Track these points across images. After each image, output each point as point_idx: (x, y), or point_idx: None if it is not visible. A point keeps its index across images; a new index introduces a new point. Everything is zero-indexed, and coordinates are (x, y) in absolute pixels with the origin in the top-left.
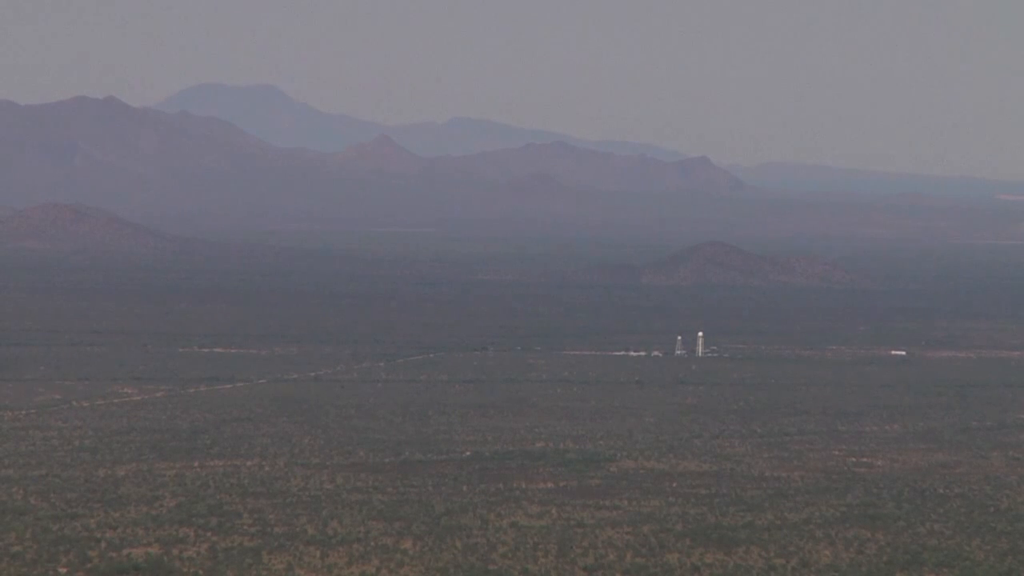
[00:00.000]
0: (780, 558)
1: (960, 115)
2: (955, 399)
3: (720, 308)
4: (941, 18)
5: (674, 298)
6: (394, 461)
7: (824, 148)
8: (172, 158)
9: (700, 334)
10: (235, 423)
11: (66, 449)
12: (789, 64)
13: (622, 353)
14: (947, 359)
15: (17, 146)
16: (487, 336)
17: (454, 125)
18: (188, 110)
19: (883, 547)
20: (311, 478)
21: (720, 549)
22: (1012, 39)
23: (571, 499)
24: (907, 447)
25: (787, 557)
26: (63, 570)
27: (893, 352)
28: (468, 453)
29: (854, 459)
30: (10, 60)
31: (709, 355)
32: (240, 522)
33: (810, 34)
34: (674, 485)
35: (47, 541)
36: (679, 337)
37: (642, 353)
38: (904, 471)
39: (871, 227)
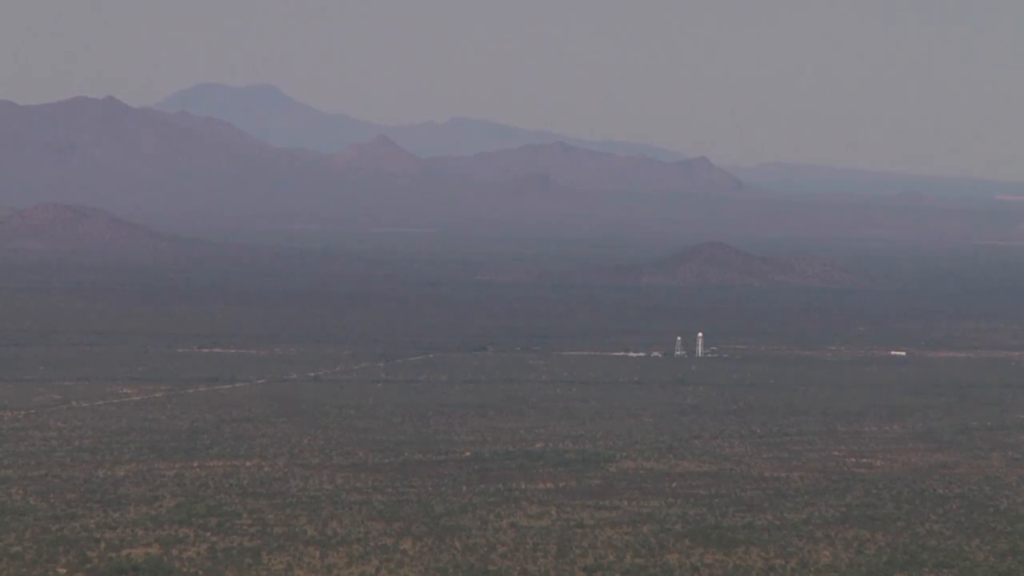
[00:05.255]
0: (780, 558)
1: (960, 115)
2: (955, 399)
3: (720, 308)
4: (941, 18)
5: (674, 298)
6: (394, 461)
7: (824, 148)
8: (172, 158)
9: (700, 334)
10: (235, 423)
11: (66, 449)
12: (789, 64)
13: (622, 353)
14: (947, 359)
15: (17, 146)
16: (487, 336)
17: (454, 125)
18: (188, 110)
19: (883, 547)
20: (311, 479)
21: (720, 549)
22: (1012, 39)
23: (571, 499)
24: (907, 447)
25: (787, 557)
26: (63, 570)
27: (893, 352)
28: (468, 453)
29: (854, 459)
30: (10, 60)
31: (709, 355)
32: (240, 522)
33: (810, 34)
34: (674, 485)
35: (47, 541)
36: (679, 337)
37: (642, 353)
38: (904, 471)
39: (871, 227)
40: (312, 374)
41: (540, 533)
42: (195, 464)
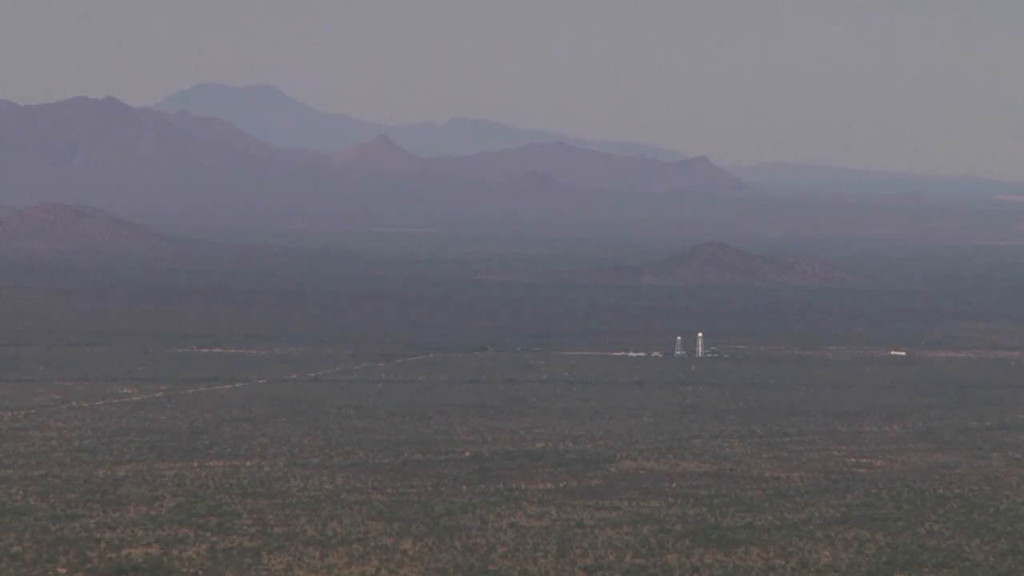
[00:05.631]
0: (780, 558)
1: (960, 115)
2: (955, 399)
3: (720, 308)
4: (941, 18)
5: (674, 298)
6: (394, 461)
7: (824, 148)
8: (172, 158)
9: (700, 334)
10: (234, 423)
11: (66, 449)
12: (789, 64)
13: (622, 353)
14: (947, 359)
15: (17, 146)
16: (487, 336)
17: (454, 125)
18: (187, 110)
19: (883, 547)
20: (311, 478)
21: (720, 550)
22: (1012, 39)
23: (571, 499)
24: (907, 447)
25: (787, 557)
26: (63, 570)
27: (893, 352)
28: (468, 453)
29: (854, 459)
30: (10, 60)
31: (709, 355)
32: (240, 522)
33: (810, 34)
34: (674, 485)
35: (46, 541)
36: (679, 338)
37: (642, 353)
38: (904, 471)
39: (871, 227)
40: (312, 374)
41: (540, 533)
42: (195, 464)
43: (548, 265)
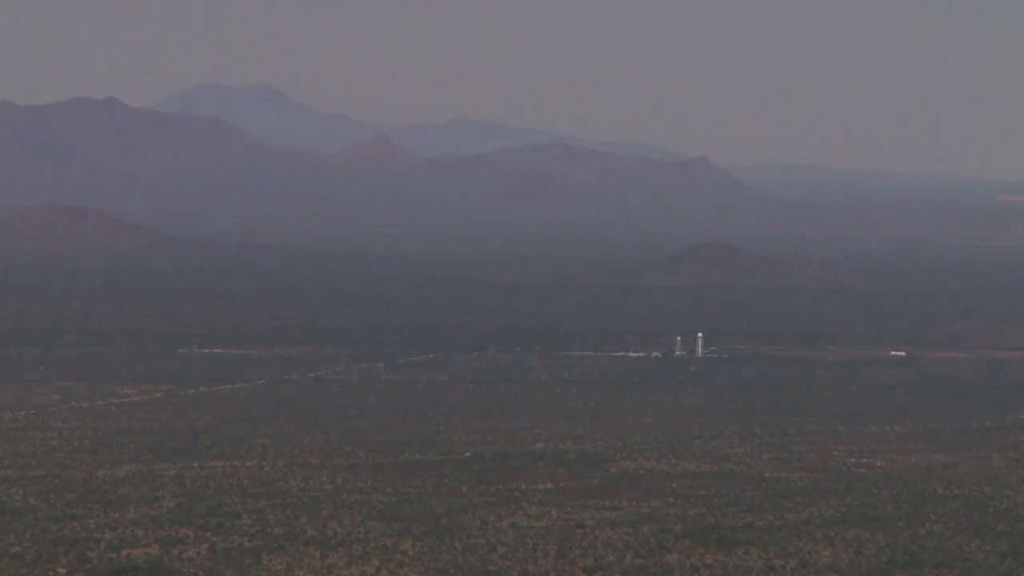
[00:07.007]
0: (780, 559)
1: (960, 115)
2: (955, 399)
3: (720, 308)
4: (940, 18)
5: (674, 298)
6: (394, 461)
7: (824, 148)
8: (172, 158)
9: (700, 334)
10: (235, 424)
11: (65, 450)
12: (788, 64)
13: (622, 353)
14: (947, 359)
15: (17, 146)
16: (487, 336)
17: (454, 125)
18: (188, 110)
19: (883, 548)
20: (311, 479)
21: (720, 550)
22: (1012, 39)
23: (571, 499)
24: (907, 447)
25: (787, 558)
26: (62, 571)
27: (893, 352)
28: (468, 454)
29: (854, 459)
30: (10, 60)
31: (709, 355)
32: (240, 523)
33: (810, 34)
34: (674, 486)
35: (46, 542)
36: (679, 338)
37: (642, 354)
38: (904, 471)
39: (871, 227)
40: (312, 374)
41: (540, 533)
42: (195, 464)
43: (548, 265)
